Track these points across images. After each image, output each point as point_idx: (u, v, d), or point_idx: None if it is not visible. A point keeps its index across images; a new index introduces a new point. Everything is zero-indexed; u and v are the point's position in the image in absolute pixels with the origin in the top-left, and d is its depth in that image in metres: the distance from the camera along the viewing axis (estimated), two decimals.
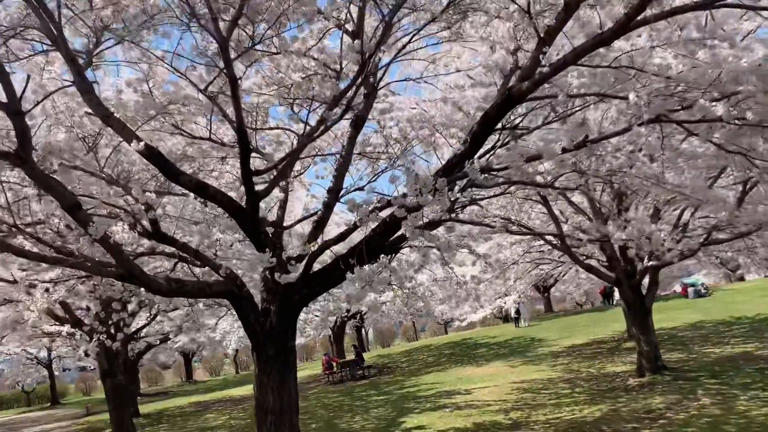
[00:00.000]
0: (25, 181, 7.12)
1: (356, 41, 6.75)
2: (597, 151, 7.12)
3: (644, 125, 5.20)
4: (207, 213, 9.56)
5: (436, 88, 10.03)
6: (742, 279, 42.75)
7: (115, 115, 6.20)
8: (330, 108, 6.99)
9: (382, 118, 9.88)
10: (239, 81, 7.43)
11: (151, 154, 6.21)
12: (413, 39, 8.02)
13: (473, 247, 11.45)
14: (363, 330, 44.08)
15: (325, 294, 24.55)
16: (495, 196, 10.80)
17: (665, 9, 5.45)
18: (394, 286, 12.23)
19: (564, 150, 5.68)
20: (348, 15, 7.25)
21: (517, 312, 32.18)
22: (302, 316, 28.55)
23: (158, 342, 25.65)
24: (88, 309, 12.53)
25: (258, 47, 7.05)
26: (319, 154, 10.48)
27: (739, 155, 6.22)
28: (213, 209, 9.37)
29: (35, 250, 6.63)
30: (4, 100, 5.54)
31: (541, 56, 5.73)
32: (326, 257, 8.98)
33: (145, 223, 7.33)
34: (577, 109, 8.36)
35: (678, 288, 35.26)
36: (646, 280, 14.73)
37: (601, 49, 6.19)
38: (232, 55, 6.29)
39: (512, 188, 9.75)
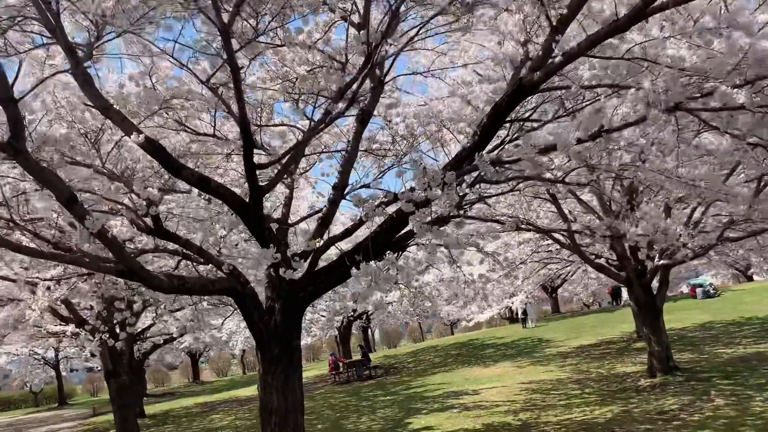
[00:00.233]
0: (25, 177, 6.97)
1: (362, 32, 6.58)
2: (610, 145, 6.91)
3: (663, 113, 4.99)
4: (211, 210, 9.41)
5: (443, 82, 9.85)
6: (750, 279, 42.36)
7: (114, 107, 6.05)
8: (335, 101, 6.82)
9: (388, 113, 9.71)
10: (243, 75, 7.28)
11: (152, 147, 6.06)
12: (420, 31, 7.85)
13: (481, 245, 11.28)
14: (369, 330, 43.96)
15: (331, 293, 24.50)
16: (503, 193, 10.62)
17: None
18: (401, 285, 12.06)
19: (579, 141, 5.48)
20: (354, 6, 7.09)
21: (525, 312, 31.95)
22: (308, 315, 28.57)
23: (162, 342, 25.55)
24: (91, 308, 12.42)
25: (262, 39, 6.89)
26: (325, 150, 10.33)
27: (759, 147, 6.01)
28: (217, 206, 9.22)
29: (32, 245, 6.48)
30: None
31: (553, 44, 5.53)
32: (332, 254, 8.82)
33: (147, 219, 7.19)
34: (587, 103, 8.17)
35: (685, 289, 34.96)
36: (656, 281, 14.51)
37: (614, 41, 6.00)
38: (235, 45, 6.13)
39: (521, 185, 9.57)
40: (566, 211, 13.77)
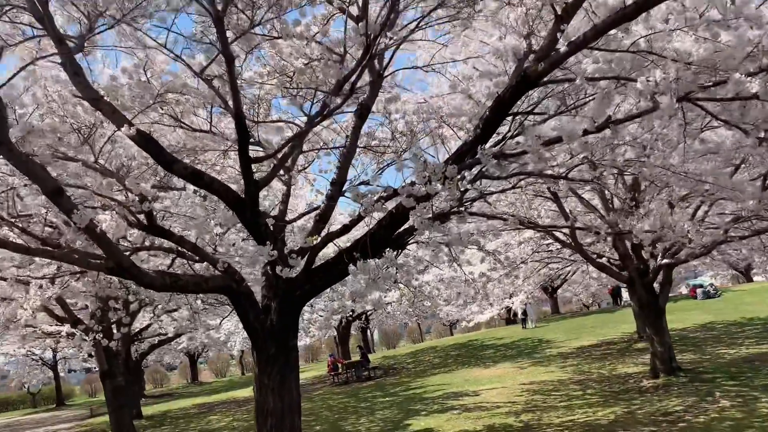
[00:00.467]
0: (14, 172, 6.78)
1: (360, 24, 6.41)
2: (615, 139, 6.75)
3: (673, 103, 4.82)
4: (207, 207, 9.23)
5: (444, 77, 9.66)
6: (750, 280, 42.22)
7: (105, 98, 5.87)
8: (333, 93, 6.64)
9: (388, 109, 9.52)
10: (239, 68, 7.11)
11: (143, 140, 5.89)
12: (420, 24, 7.68)
13: (482, 244, 11.10)
14: (368, 331, 43.79)
15: (329, 292, 24.31)
16: (505, 190, 10.44)
17: None
18: (400, 285, 11.88)
19: (586, 132, 5.31)
20: None
21: (524, 313, 31.80)
22: (306, 315, 28.33)
23: (156, 341, 25.34)
24: (86, 308, 12.23)
25: (258, 30, 6.72)
26: (324, 147, 10.15)
27: (766, 142, 5.84)
28: (212, 203, 9.04)
29: (20, 241, 6.30)
30: None
31: (558, 34, 5.36)
32: (330, 252, 8.64)
33: (141, 216, 7.01)
34: (589, 99, 8.00)
35: (685, 289, 34.76)
36: (658, 281, 14.33)
37: (619, 34, 5.83)
38: (230, 36, 5.95)
39: (522, 182, 9.40)
40: (567, 210, 13.60)
